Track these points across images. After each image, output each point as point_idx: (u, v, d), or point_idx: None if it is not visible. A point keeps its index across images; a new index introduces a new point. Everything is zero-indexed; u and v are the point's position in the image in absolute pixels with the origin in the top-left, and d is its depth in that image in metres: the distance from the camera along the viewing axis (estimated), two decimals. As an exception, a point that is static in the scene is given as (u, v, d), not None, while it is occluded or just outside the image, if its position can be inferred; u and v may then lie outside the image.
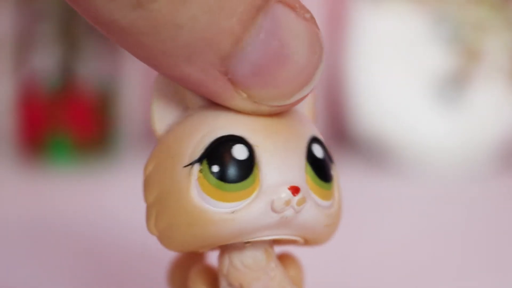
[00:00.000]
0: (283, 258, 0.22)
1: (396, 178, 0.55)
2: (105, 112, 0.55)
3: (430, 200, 0.51)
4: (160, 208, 0.20)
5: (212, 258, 0.22)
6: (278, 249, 0.23)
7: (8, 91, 0.57)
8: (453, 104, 0.55)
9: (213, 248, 0.21)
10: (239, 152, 0.20)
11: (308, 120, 0.21)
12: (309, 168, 0.20)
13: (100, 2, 0.18)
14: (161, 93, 0.21)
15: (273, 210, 0.19)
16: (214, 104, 0.20)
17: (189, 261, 0.23)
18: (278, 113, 0.20)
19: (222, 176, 0.19)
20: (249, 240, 0.20)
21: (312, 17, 0.19)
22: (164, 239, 0.20)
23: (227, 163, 0.19)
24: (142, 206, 0.20)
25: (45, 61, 0.54)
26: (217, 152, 0.20)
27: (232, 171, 0.19)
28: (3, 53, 0.57)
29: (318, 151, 0.21)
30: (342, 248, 0.39)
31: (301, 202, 0.20)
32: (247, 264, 0.21)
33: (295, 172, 0.20)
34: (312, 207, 0.20)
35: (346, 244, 0.40)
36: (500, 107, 0.56)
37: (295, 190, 0.19)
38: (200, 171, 0.19)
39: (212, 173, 0.19)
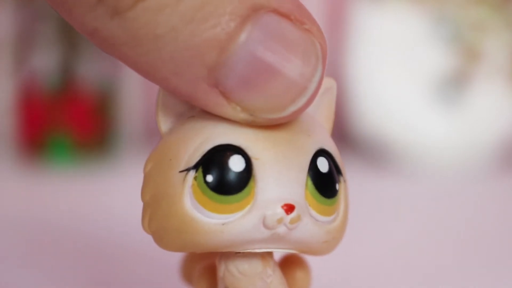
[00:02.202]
0: (290, 258, 0.22)
1: (395, 177, 0.55)
2: (105, 112, 0.55)
3: (430, 199, 0.51)
4: (154, 209, 0.20)
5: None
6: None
7: (8, 91, 0.57)
8: (453, 104, 0.55)
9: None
10: (236, 163, 0.19)
11: (319, 129, 0.20)
12: (310, 183, 0.19)
13: (80, 11, 0.18)
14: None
15: (265, 226, 0.19)
16: None
17: (201, 254, 0.22)
18: (282, 124, 0.19)
19: (215, 187, 0.19)
20: (239, 251, 0.20)
21: (313, 27, 0.18)
22: (157, 240, 0.20)
23: (222, 174, 0.19)
24: (141, 206, 0.20)
25: (45, 61, 0.54)
26: (213, 161, 0.19)
27: (226, 182, 0.19)
28: (3, 53, 0.57)
29: (323, 165, 0.20)
30: (343, 247, 0.39)
31: (295, 220, 0.19)
32: (242, 270, 0.20)
33: (293, 187, 0.19)
34: (309, 224, 0.19)
35: (347, 243, 0.40)
36: (500, 107, 0.56)
37: (289, 208, 0.19)
38: (195, 178, 0.19)
39: (206, 182, 0.19)
